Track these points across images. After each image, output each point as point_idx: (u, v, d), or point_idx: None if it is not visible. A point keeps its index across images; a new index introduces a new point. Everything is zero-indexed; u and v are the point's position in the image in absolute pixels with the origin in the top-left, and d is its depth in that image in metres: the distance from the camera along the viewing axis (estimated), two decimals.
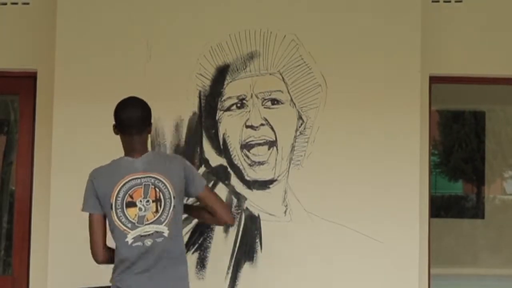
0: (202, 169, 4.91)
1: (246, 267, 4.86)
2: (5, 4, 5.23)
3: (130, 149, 3.85)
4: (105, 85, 4.93)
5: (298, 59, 4.92)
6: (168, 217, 3.76)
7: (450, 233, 8.04)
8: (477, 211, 8.86)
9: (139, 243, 3.73)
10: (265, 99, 4.92)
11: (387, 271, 4.80)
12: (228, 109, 4.94)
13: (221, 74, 4.94)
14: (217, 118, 4.94)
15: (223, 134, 4.93)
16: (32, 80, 5.22)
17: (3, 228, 5.77)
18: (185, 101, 4.93)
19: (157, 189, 3.77)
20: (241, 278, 4.85)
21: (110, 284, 3.98)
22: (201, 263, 4.86)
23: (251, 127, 4.91)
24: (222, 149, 4.93)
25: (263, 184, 4.90)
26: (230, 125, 4.93)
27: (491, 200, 8.66)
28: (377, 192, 4.84)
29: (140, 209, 3.75)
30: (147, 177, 3.77)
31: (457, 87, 5.66)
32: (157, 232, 3.74)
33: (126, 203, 3.75)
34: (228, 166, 4.92)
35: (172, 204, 3.76)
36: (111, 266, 3.87)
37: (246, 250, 4.87)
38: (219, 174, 4.91)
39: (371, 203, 4.83)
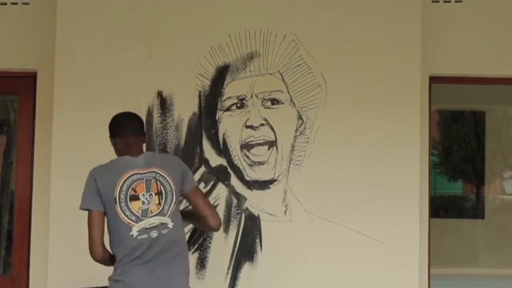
0: (202, 169, 4.91)
1: (246, 267, 4.86)
2: (5, 4, 5.23)
3: (128, 150, 3.95)
4: (105, 85, 4.94)
5: (298, 59, 4.92)
6: (170, 209, 3.83)
7: (450, 233, 8.04)
8: (477, 211, 8.85)
9: (145, 235, 3.77)
10: (265, 99, 4.92)
11: (387, 271, 4.80)
12: (228, 109, 4.94)
13: (221, 74, 4.94)
14: (217, 118, 4.94)
15: (223, 134, 4.94)
16: (32, 80, 5.22)
17: (3, 228, 5.77)
18: (185, 101, 4.93)
19: (158, 183, 3.85)
20: (241, 278, 4.85)
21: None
22: (201, 263, 4.86)
23: (251, 127, 4.91)
24: (222, 149, 4.93)
25: (263, 184, 4.90)
26: (230, 125, 4.93)
27: (491, 200, 8.65)
28: (377, 192, 4.84)
29: (143, 202, 3.81)
30: (148, 172, 3.86)
31: (457, 87, 5.66)
32: (162, 224, 3.79)
33: (129, 197, 3.81)
34: (228, 166, 4.92)
35: (174, 197, 3.85)
36: (111, 266, 3.88)
37: (246, 250, 4.87)
38: (219, 174, 4.91)
39: (371, 203, 4.83)
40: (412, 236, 4.81)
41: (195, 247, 4.86)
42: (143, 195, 3.82)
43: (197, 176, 4.88)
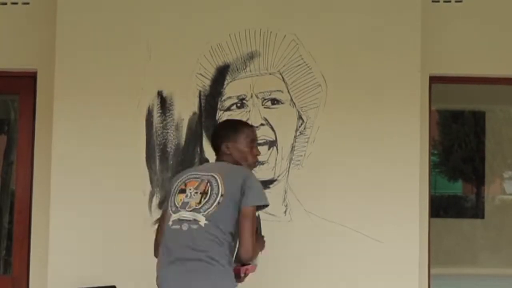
0: None
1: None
2: (5, 4, 5.23)
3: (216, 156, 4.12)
4: (105, 85, 4.93)
5: (298, 59, 4.92)
6: (209, 210, 3.79)
7: (450, 233, 8.04)
8: (476, 211, 8.85)
9: (177, 226, 3.79)
10: (265, 99, 4.92)
11: (387, 271, 4.80)
12: (228, 109, 4.94)
13: (221, 74, 4.94)
14: (217, 118, 4.94)
15: None
16: (32, 80, 5.22)
17: (3, 228, 5.78)
18: (185, 101, 4.93)
19: (209, 184, 3.85)
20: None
21: (110, 284, 3.99)
22: None
23: None
24: None
25: (263, 184, 4.87)
26: None
27: (491, 200, 8.66)
28: (377, 192, 4.83)
29: (186, 195, 3.85)
30: (207, 175, 3.90)
31: (457, 87, 5.66)
32: (195, 219, 3.78)
33: (179, 190, 3.89)
34: None
35: (217, 200, 3.80)
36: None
37: None
38: None
39: (371, 203, 4.83)
40: (412, 236, 4.81)
41: None
42: (190, 189, 3.85)
43: None
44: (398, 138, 4.86)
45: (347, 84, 4.90)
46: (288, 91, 4.92)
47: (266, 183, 4.88)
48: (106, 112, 4.92)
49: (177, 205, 3.83)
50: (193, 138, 4.94)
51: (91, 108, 4.91)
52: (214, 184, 3.84)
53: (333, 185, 4.85)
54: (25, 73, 5.22)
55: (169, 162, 4.90)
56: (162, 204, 4.08)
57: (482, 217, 8.43)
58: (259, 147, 4.88)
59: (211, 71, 4.94)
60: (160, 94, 4.93)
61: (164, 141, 4.93)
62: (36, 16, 5.20)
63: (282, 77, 4.92)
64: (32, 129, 5.20)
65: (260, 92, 4.92)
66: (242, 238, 3.83)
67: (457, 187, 9.65)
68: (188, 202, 3.82)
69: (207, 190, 3.83)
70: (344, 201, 4.83)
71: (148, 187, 4.88)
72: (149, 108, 4.93)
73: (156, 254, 3.90)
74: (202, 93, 4.94)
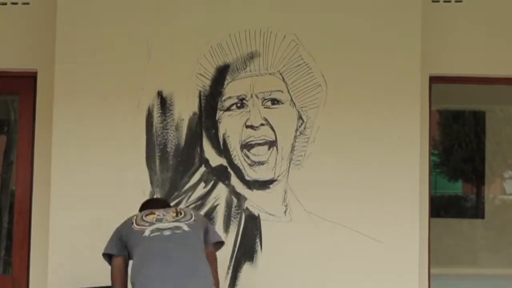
0: (202, 169, 4.91)
1: (246, 267, 4.86)
2: (5, 4, 5.23)
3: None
4: (105, 85, 4.94)
5: (298, 59, 4.92)
6: (189, 221, 3.89)
7: (450, 233, 8.04)
8: (477, 211, 8.85)
9: (157, 233, 3.79)
10: (265, 99, 4.92)
11: (387, 271, 4.80)
12: (228, 109, 4.94)
13: (221, 74, 4.94)
14: (217, 118, 4.94)
15: (223, 134, 4.93)
16: (32, 80, 5.22)
17: (3, 228, 5.78)
18: (185, 101, 4.93)
19: (179, 209, 4.01)
20: (241, 278, 4.85)
21: (110, 285, 3.98)
22: None
23: (251, 127, 4.91)
24: (222, 149, 4.93)
25: (263, 184, 4.90)
26: (230, 125, 4.93)
27: (491, 200, 8.65)
28: (377, 192, 4.84)
29: (158, 215, 3.91)
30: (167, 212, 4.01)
31: (457, 87, 5.66)
32: (176, 227, 3.82)
33: (145, 214, 3.93)
34: (228, 166, 4.92)
35: (193, 218, 3.93)
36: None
37: (246, 250, 4.87)
38: (219, 174, 4.90)
39: (371, 203, 4.83)
40: (412, 236, 4.81)
41: None
42: (159, 213, 3.94)
43: (197, 176, 4.89)
44: (398, 138, 4.86)
45: (347, 84, 4.90)
46: (288, 91, 4.92)
47: (266, 183, 4.89)
48: (106, 112, 4.92)
49: (151, 221, 3.84)
50: (193, 138, 4.94)
51: (91, 108, 4.91)
52: (184, 211, 4.01)
53: (333, 185, 4.85)
54: (25, 73, 5.22)
55: (169, 162, 4.91)
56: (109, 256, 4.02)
57: (482, 217, 8.43)
58: (260, 147, 4.92)
59: (211, 71, 4.94)
60: (160, 94, 4.93)
61: (164, 141, 4.93)
62: (36, 16, 5.20)
63: (282, 77, 4.92)
64: (32, 129, 5.20)
65: (260, 92, 4.92)
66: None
67: (457, 187, 9.64)
68: (162, 218, 3.87)
69: (180, 211, 3.96)
70: (344, 201, 4.83)
71: (148, 187, 4.88)
72: (149, 108, 4.93)
73: None
74: (202, 93, 4.94)
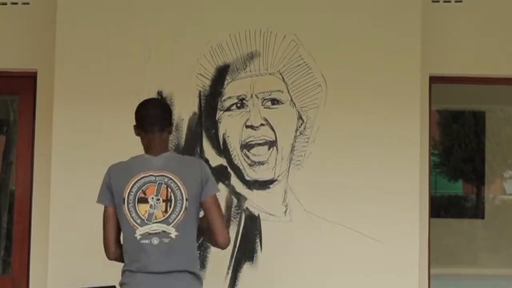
0: None
1: (246, 267, 4.86)
2: (5, 4, 5.23)
3: (150, 147, 3.83)
4: (105, 85, 4.94)
5: (298, 59, 4.92)
6: (178, 218, 3.72)
7: (450, 233, 8.04)
8: (477, 211, 8.86)
9: (147, 241, 3.71)
10: (265, 99, 4.92)
11: (387, 271, 4.80)
12: (228, 109, 4.94)
13: (221, 74, 4.94)
14: (217, 118, 4.94)
15: (223, 134, 4.93)
16: (32, 80, 5.22)
17: (3, 228, 5.78)
18: (185, 101, 4.93)
19: (169, 189, 3.74)
20: (241, 278, 4.85)
21: (110, 284, 3.98)
22: (201, 263, 4.84)
23: (251, 127, 4.91)
24: (222, 149, 4.93)
25: (263, 184, 4.90)
26: (230, 125, 4.93)
27: (491, 200, 8.66)
28: (377, 192, 4.83)
29: (151, 206, 3.73)
30: (161, 175, 3.74)
31: (457, 87, 5.66)
32: (164, 232, 3.71)
33: (138, 199, 3.74)
34: (228, 166, 4.92)
35: (184, 206, 3.72)
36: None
37: (246, 250, 4.87)
38: (219, 174, 4.90)
39: (371, 203, 4.83)
40: (412, 236, 4.81)
41: None
42: (152, 198, 3.73)
43: None
44: (398, 138, 4.86)
45: (347, 84, 4.90)
46: (288, 91, 4.92)
47: (266, 183, 4.89)
48: (106, 112, 4.92)
49: (142, 217, 3.72)
50: (193, 138, 4.94)
51: (91, 108, 4.91)
52: (175, 188, 3.73)
53: (333, 185, 4.85)
54: (25, 73, 5.23)
55: None
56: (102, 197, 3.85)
57: (482, 217, 8.43)
58: (259, 147, 4.91)
59: (211, 71, 4.94)
60: (160, 94, 4.93)
61: None
62: (36, 16, 5.20)
63: (282, 77, 4.92)
64: (32, 129, 5.20)
65: (260, 92, 4.92)
66: (216, 226, 3.76)
67: (457, 187, 9.65)
68: (153, 213, 3.72)
69: (170, 197, 3.73)
70: (344, 201, 4.83)
71: None
72: None
73: (109, 255, 3.82)
74: (202, 93, 4.94)
